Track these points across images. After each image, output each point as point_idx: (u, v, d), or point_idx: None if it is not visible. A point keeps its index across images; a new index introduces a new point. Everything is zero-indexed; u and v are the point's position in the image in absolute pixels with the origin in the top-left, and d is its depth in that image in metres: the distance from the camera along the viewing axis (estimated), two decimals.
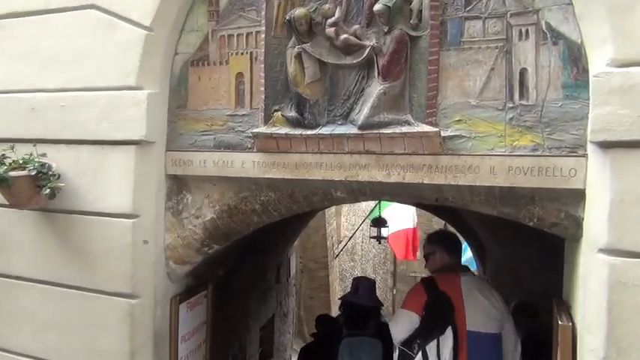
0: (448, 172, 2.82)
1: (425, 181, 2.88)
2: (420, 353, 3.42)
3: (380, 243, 11.93)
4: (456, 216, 9.60)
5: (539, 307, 4.93)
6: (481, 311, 3.43)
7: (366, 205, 14.00)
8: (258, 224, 3.51)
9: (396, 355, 4.11)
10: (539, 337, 3.64)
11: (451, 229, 19.59)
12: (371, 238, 11.71)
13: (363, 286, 4.78)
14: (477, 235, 9.43)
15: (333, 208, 13.45)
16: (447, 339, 3.36)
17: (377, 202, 12.29)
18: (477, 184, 2.78)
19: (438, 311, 3.40)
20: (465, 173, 2.78)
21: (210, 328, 4.24)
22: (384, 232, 11.17)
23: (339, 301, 5.07)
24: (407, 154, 2.91)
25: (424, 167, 2.87)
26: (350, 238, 14.04)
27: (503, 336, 3.54)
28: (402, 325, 3.58)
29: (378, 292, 16.62)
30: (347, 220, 17.97)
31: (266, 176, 3.23)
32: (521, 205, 2.79)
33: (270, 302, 7.83)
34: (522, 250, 6.34)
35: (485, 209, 2.93)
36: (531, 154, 2.69)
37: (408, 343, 3.56)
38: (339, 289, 14.44)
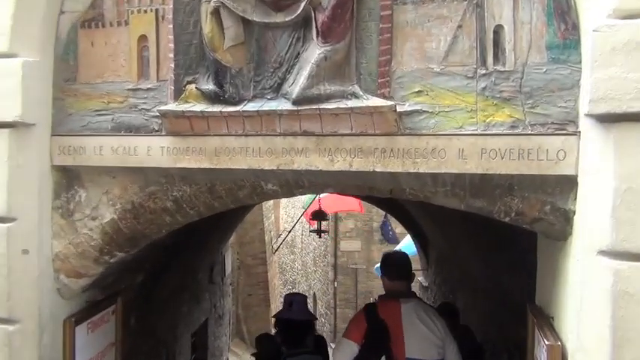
0: (406, 156, 2.21)
1: (377, 169, 2.26)
2: None
3: (320, 237, 11.36)
4: (396, 205, 9.12)
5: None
6: (420, 339, 3.40)
7: (308, 196, 13.42)
8: (172, 226, 2.80)
9: None
10: (455, 335, 3.76)
11: (392, 219, 19.22)
12: (311, 232, 11.14)
13: (297, 301, 4.68)
14: (418, 225, 9.00)
15: (270, 201, 12.76)
16: None
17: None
18: (443, 171, 2.18)
19: (374, 342, 3.40)
20: (427, 158, 2.18)
21: (120, 349, 3.49)
22: (325, 225, 10.61)
23: (273, 319, 5.03)
24: (354, 134, 2.29)
25: (376, 151, 2.25)
26: (289, 232, 13.39)
27: (445, 353, 3.51)
28: (343, 355, 3.54)
29: (318, 286, 16.04)
30: (286, 213, 17.32)
31: (178, 165, 2.53)
32: (496, 197, 2.22)
33: (203, 305, 7.09)
34: (469, 244, 5.88)
35: (451, 202, 2.34)
36: (509, 132, 2.12)
37: None
38: (278, 284, 13.79)
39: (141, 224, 2.75)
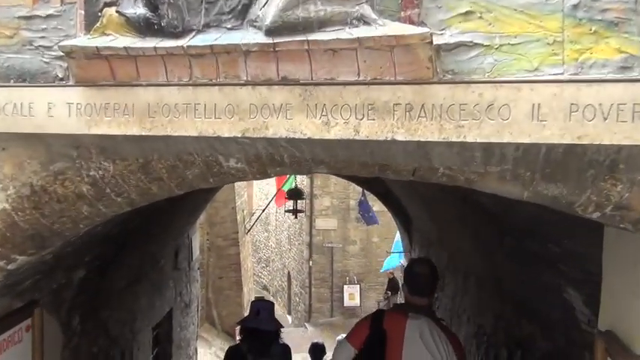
0: (446, 117, 1.39)
1: (399, 137, 1.43)
2: None
3: (296, 217, 10.55)
4: (376, 181, 8.33)
5: None
6: (417, 357, 3.26)
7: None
8: (94, 219, 1.94)
9: None
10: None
11: (371, 197, 18.57)
12: (286, 212, 10.32)
13: (264, 309, 4.55)
14: (400, 204, 8.25)
15: None
16: None
17: None
18: (504, 140, 1.36)
19: (370, 351, 3.35)
20: (481, 119, 1.37)
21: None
22: (301, 205, 9.79)
23: (238, 326, 4.75)
24: (363, 82, 1.45)
25: (397, 110, 1.43)
26: (263, 211, 12.53)
27: None
28: (340, 356, 3.51)
29: (293, 265, 15.34)
30: (260, 190, 16.44)
31: (94, 132, 1.68)
32: (586, 181, 1.41)
33: (166, 294, 6.23)
34: (462, 227, 5.12)
35: (508, 189, 1.52)
36: (619, 77, 1.30)
37: None
38: (252, 264, 12.97)
39: (47, 217, 1.87)
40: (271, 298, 25.73)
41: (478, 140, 1.36)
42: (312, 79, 1.45)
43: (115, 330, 4.60)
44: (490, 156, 1.43)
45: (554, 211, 2.17)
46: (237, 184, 11.05)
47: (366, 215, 16.13)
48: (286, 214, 22.40)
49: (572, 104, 1.30)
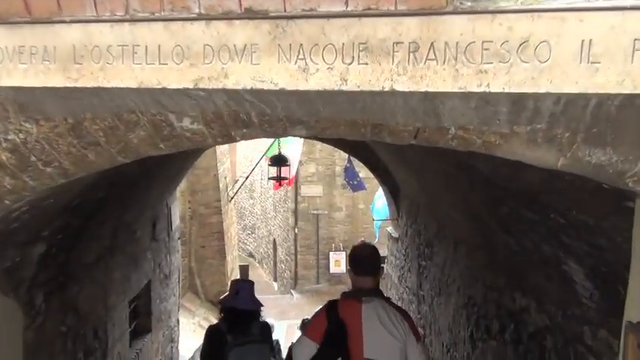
0: (463, 59, 1.03)
1: (398, 86, 1.08)
2: None
3: (281, 185, 10.20)
4: (361, 147, 7.99)
5: None
6: (379, 340, 3.33)
7: (265, 140, 12.12)
8: (21, 194, 1.58)
9: None
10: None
11: (357, 162, 18.23)
12: (270, 179, 9.95)
13: (244, 288, 4.55)
14: (387, 170, 7.93)
15: (225, 145, 11.45)
16: None
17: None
18: (542, 90, 1.02)
19: (332, 342, 3.34)
20: (509, 62, 1.01)
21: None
22: (285, 172, 9.42)
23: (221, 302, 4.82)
24: (352, 14, 1.08)
25: (398, 50, 1.07)
26: (246, 179, 12.14)
27: (407, 354, 3.39)
28: (301, 353, 3.47)
29: (278, 232, 15.22)
30: (244, 157, 16.01)
31: (6, 83, 1.30)
32: None
33: (143, 267, 5.91)
34: (453, 196, 4.81)
35: (537, 155, 1.18)
36: None
37: None
38: (236, 232, 12.66)
39: None
40: (257, 265, 25.61)
41: (506, 90, 1.02)
42: (285, 11, 1.09)
43: (85, 307, 4.30)
44: (520, 111, 1.09)
45: (563, 179, 1.87)
46: (219, 150, 10.65)
47: (352, 182, 15.82)
48: (270, 180, 22.06)
49: (637, 40, 0.95)
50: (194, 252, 10.50)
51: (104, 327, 4.70)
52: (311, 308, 12.40)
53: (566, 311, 3.15)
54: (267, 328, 4.59)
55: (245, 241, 27.85)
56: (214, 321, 10.42)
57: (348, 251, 15.05)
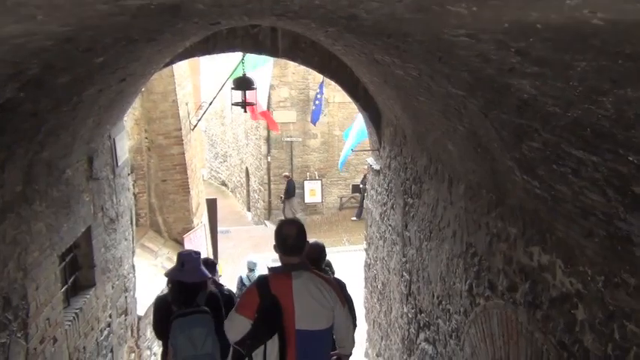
0: None
1: None
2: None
3: (246, 111, 9.11)
4: (339, 67, 6.94)
5: None
6: (310, 312, 3.49)
7: (233, 63, 10.86)
8: None
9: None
10: None
11: (330, 83, 17.12)
12: (234, 104, 8.86)
13: (189, 261, 4.51)
14: (368, 94, 6.95)
15: (185, 65, 10.20)
16: (274, 342, 3.43)
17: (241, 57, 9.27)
18: None
19: (266, 319, 3.43)
20: None
21: None
22: (250, 95, 8.34)
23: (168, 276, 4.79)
24: None
25: None
26: (209, 105, 10.99)
27: (335, 325, 3.64)
28: (236, 330, 3.54)
29: (251, 160, 14.65)
30: (209, 81, 14.75)
31: None
32: None
33: (79, 212, 4.94)
34: (449, 122, 3.91)
35: None
36: None
37: (240, 343, 3.60)
38: (200, 166, 11.65)
39: None
40: (230, 195, 24.82)
41: None
42: None
43: None
44: None
45: None
46: (178, 73, 9.46)
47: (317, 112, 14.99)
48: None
49: None
50: (154, 187, 9.53)
51: (21, 293, 3.79)
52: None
53: (612, 279, 2.39)
54: (213, 299, 4.61)
55: (217, 169, 27.01)
56: None
57: (324, 180, 14.52)
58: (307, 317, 3.45)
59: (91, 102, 4.28)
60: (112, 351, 5.94)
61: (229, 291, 5.56)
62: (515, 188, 3.13)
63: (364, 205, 8.07)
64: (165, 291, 5.18)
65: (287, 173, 19.30)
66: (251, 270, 9.08)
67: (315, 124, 17.05)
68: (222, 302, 4.67)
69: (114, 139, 5.98)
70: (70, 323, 4.70)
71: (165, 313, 4.46)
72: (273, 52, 6.37)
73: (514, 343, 3.48)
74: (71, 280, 5.07)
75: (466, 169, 4.06)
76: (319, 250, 4.95)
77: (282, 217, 18.26)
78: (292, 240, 3.54)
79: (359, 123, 9.41)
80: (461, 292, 4.33)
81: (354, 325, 4.27)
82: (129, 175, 6.83)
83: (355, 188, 20.58)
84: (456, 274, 4.44)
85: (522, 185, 2.98)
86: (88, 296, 5.19)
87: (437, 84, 3.34)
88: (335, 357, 3.91)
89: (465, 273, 4.23)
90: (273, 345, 3.44)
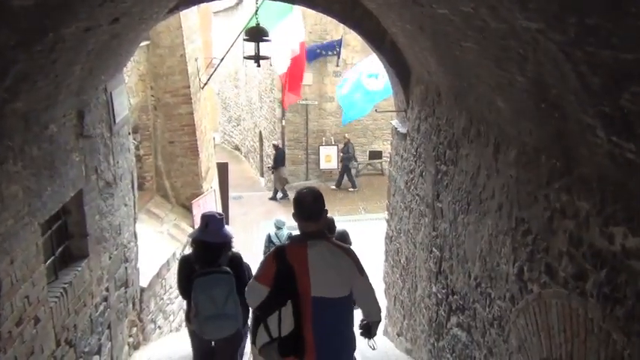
0: None
1: None
2: (262, 325, 3.62)
3: (259, 66, 8.40)
4: (363, 15, 6.20)
5: None
6: (325, 280, 3.55)
7: (246, 18, 10.09)
8: None
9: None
10: None
11: (349, 44, 16.26)
12: (246, 58, 8.14)
13: (212, 222, 4.58)
14: (395, 47, 6.22)
15: (195, 18, 9.46)
16: (287, 309, 3.54)
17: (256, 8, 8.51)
18: None
19: (281, 285, 3.54)
20: None
21: None
22: (264, 48, 7.62)
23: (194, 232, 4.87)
24: None
25: None
26: (221, 60, 10.26)
27: (356, 294, 3.69)
28: (254, 296, 3.68)
29: (264, 124, 14.33)
30: (221, 36, 13.95)
31: None
32: None
33: (67, 174, 4.33)
34: (499, 74, 3.23)
35: None
36: None
37: (259, 308, 3.69)
38: (210, 127, 11.00)
39: None
40: (243, 159, 24.23)
41: None
42: None
43: None
44: None
45: None
46: (186, 25, 8.73)
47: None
48: (257, 67, 20.08)
49: None
50: (161, 149, 8.93)
51: None
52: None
53: None
54: (235, 259, 4.70)
55: (231, 133, 26.43)
56: (185, 228, 9.17)
57: (340, 145, 13.76)
58: (323, 285, 3.53)
59: (75, 43, 3.61)
60: (109, 327, 5.42)
61: (245, 264, 5.43)
62: (594, 153, 2.46)
63: (388, 173, 7.41)
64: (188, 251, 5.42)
65: (276, 142, 18.74)
66: (279, 228, 9.52)
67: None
68: (243, 264, 4.76)
69: (111, 93, 5.33)
70: (56, 300, 4.14)
71: (188, 273, 4.53)
72: None
73: (580, 342, 2.84)
74: (59, 250, 4.49)
75: (520, 130, 3.39)
76: (341, 237, 5.40)
77: (280, 186, 17.74)
78: (308, 205, 3.61)
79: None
80: (507, 276, 3.70)
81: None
82: (129, 134, 6.20)
83: (373, 154, 19.85)
84: (500, 254, 3.81)
85: (607, 149, 2.30)
86: (79, 269, 4.62)
87: (499, 18, 2.63)
88: (365, 323, 3.90)
89: (513, 253, 3.60)
90: (287, 311, 3.54)
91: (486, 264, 4.06)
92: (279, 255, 3.63)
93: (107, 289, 5.34)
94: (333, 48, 17.10)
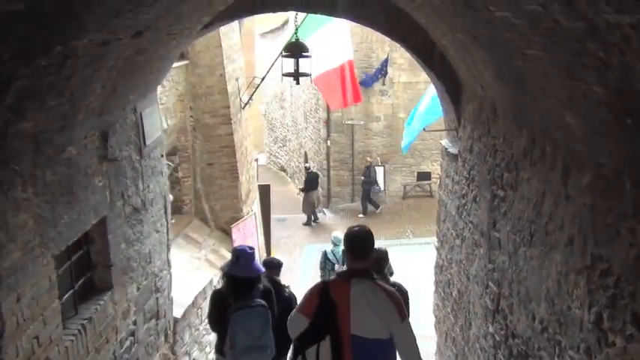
0: None
1: None
2: (300, 357, 3.72)
3: (298, 83, 8.05)
4: (410, 28, 5.77)
5: None
6: (365, 320, 3.58)
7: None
8: None
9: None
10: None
11: (395, 62, 15.77)
12: (284, 75, 7.82)
13: (244, 255, 4.68)
14: (446, 62, 5.73)
15: (236, 37, 9.23)
16: (326, 343, 3.59)
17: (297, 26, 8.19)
18: None
19: (321, 320, 3.60)
20: None
21: None
22: (305, 65, 7.26)
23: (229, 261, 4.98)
24: None
25: None
26: (262, 80, 9.98)
27: (395, 339, 3.67)
28: (295, 327, 3.76)
29: (310, 145, 14.19)
30: (264, 57, 13.76)
31: None
32: None
33: (88, 199, 4.03)
34: (570, 85, 2.69)
35: None
36: None
37: (299, 339, 3.76)
38: (251, 149, 10.70)
39: None
40: (289, 180, 23.97)
41: None
42: None
43: None
44: None
45: None
46: (227, 44, 8.49)
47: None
48: (301, 86, 19.88)
49: None
50: (200, 171, 8.65)
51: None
52: (345, 230, 10.63)
53: None
54: (266, 293, 4.81)
55: (276, 154, 26.33)
56: (224, 253, 8.84)
57: (387, 166, 13.20)
58: (363, 324, 3.57)
59: (91, 58, 3.30)
60: None
61: (290, 293, 5.67)
62: None
63: (438, 196, 6.88)
64: (220, 285, 5.60)
65: (308, 164, 18.32)
66: (335, 245, 9.43)
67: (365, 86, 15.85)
68: (274, 296, 4.91)
69: (141, 113, 5.05)
70: (73, 338, 3.80)
71: (220, 306, 4.71)
72: (331, 9, 5.25)
73: None
74: (79, 283, 4.17)
75: (596, 150, 2.86)
76: (382, 256, 5.33)
77: (308, 211, 17.33)
78: (358, 244, 3.71)
79: (428, 99, 8.17)
80: (581, 322, 3.14)
81: None
82: (162, 156, 5.91)
83: (421, 175, 19.21)
84: (572, 296, 3.25)
85: None
86: (101, 302, 4.29)
87: (576, 15, 2.14)
88: None
89: (589, 296, 3.04)
90: (325, 346, 3.60)
91: (554, 306, 3.50)
92: (322, 289, 3.73)
93: (135, 323, 5.00)
94: (380, 71, 16.66)
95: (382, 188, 18.26)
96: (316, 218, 17.71)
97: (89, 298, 4.27)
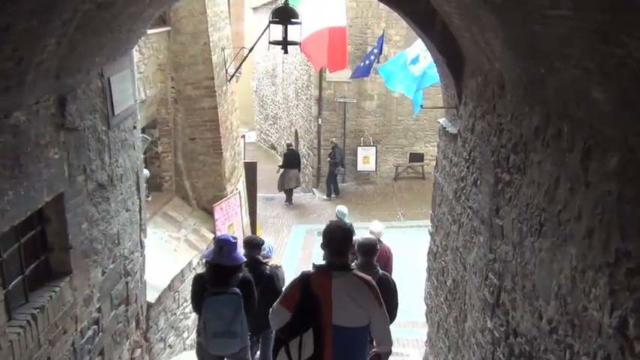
0: None
1: None
2: (282, 349, 3.81)
3: (286, 52, 7.49)
4: (417, 2, 5.30)
5: None
6: (347, 311, 3.72)
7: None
8: None
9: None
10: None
11: (391, 39, 15.16)
12: (271, 43, 7.27)
13: (227, 245, 4.81)
14: (448, 32, 5.26)
15: (223, 3, 8.65)
16: (309, 335, 3.71)
17: None
18: None
19: (304, 313, 3.72)
20: None
21: None
22: (294, 33, 6.73)
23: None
24: None
25: None
26: (250, 50, 9.39)
27: (372, 325, 3.85)
28: (277, 320, 3.86)
29: (301, 123, 13.95)
30: (255, 28, 13.14)
31: None
32: None
33: (41, 173, 3.53)
34: (587, 55, 2.20)
35: None
36: None
37: (281, 331, 3.88)
38: (237, 124, 10.17)
39: None
40: (279, 158, 23.48)
41: None
42: None
43: None
44: None
45: None
46: (212, 11, 7.92)
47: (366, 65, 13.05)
48: (292, 62, 19.23)
49: None
50: (181, 146, 8.14)
51: None
52: (335, 210, 10.27)
53: None
54: (245, 281, 4.91)
55: (267, 131, 25.83)
56: (206, 234, 8.38)
57: (379, 146, 12.68)
58: (344, 315, 3.70)
59: (38, 6, 2.79)
60: (101, 353, 4.62)
61: (272, 271, 5.57)
62: None
63: (434, 179, 6.43)
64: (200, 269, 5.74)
65: (290, 141, 17.81)
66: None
67: (350, 80, 15.39)
68: (253, 286, 4.97)
69: (109, 79, 4.52)
70: (20, 331, 3.33)
71: (200, 290, 4.80)
72: None
73: None
74: (31, 267, 3.69)
75: (627, 131, 2.42)
76: (372, 248, 5.34)
77: (285, 188, 16.89)
78: (337, 241, 3.79)
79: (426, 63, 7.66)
80: (600, 326, 2.72)
81: (394, 316, 5.16)
82: (135, 128, 5.40)
83: (414, 157, 18.78)
84: (590, 296, 2.83)
85: None
86: (57, 289, 3.83)
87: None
88: (374, 354, 4.04)
89: (610, 297, 2.62)
90: (308, 337, 3.71)
91: (567, 305, 3.09)
92: (303, 283, 3.81)
93: (99, 310, 4.54)
94: (372, 60, 16.00)
95: (344, 171, 17.90)
96: (289, 200, 17.23)
97: (44, 285, 3.80)
